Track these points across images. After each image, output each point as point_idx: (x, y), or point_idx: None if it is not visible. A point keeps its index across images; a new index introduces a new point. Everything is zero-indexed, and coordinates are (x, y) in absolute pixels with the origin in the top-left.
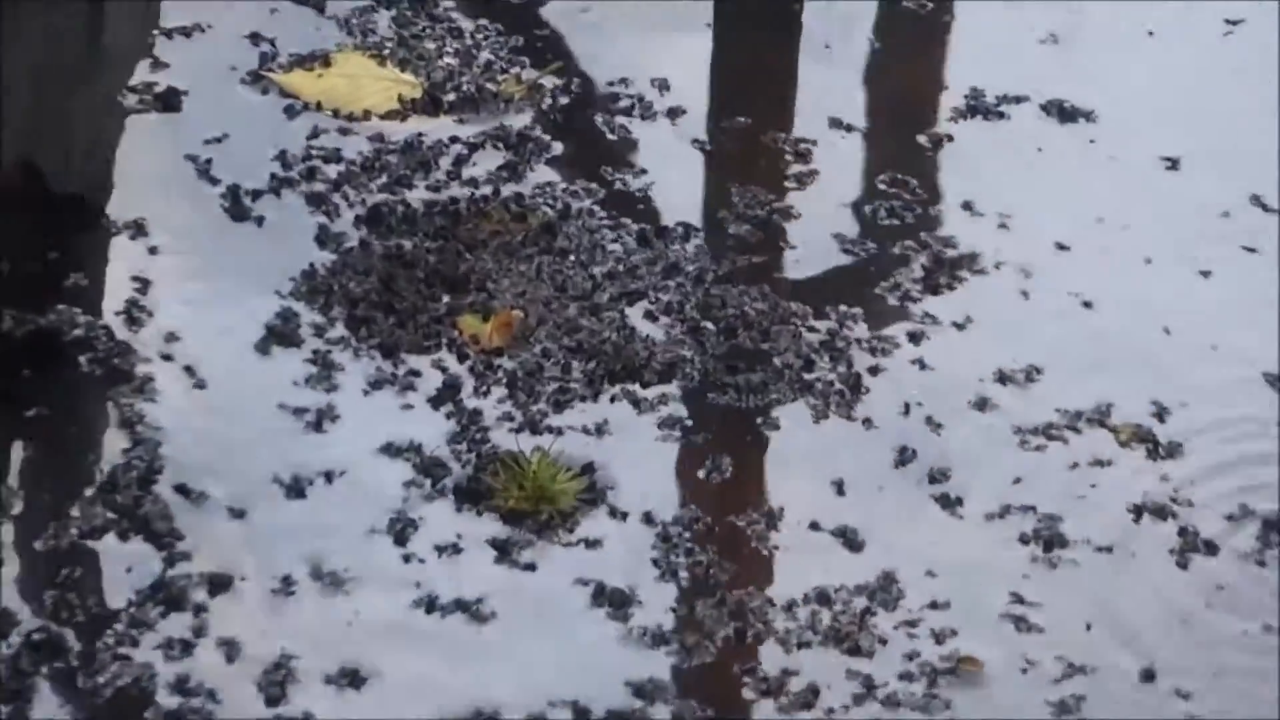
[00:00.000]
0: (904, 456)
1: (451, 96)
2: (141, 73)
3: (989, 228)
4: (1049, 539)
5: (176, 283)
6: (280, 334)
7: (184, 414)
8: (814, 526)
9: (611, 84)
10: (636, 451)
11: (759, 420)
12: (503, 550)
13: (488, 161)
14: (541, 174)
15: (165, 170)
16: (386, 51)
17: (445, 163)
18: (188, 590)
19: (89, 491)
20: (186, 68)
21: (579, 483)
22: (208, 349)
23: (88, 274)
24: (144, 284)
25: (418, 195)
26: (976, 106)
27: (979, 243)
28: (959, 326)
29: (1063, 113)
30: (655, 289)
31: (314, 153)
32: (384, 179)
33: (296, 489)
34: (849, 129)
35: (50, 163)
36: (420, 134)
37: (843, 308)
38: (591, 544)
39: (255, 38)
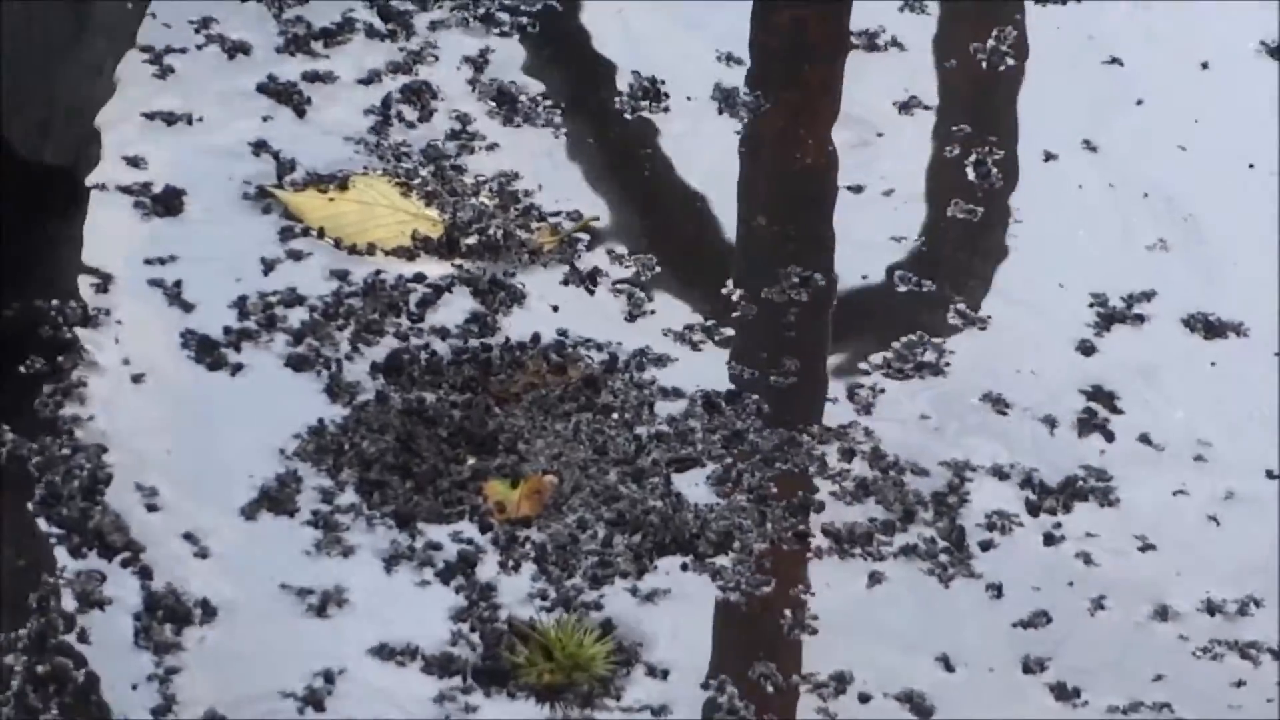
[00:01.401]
0: (1028, 630)
1: (473, 240)
2: (124, 170)
3: (1183, 459)
4: None
5: (153, 435)
6: (276, 500)
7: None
8: (897, 698)
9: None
10: (666, 608)
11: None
12: None
13: (456, 308)
14: (580, 325)
15: (134, 288)
16: (417, 181)
17: (412, 308)
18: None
19: None
20: (183, 165)
21: (606, 644)
22: (199, 511)
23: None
24: (115, 426)
25: (445, 342)
26: (1110, 314)
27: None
28: (1146, 548)
29: (1209, 326)
30: (711, 457)
31: (271, 298)
32: (352, 327)
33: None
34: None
35: (24, 133)
36: (379, 272)
37: (955, 456)
38: (656, 711)
39: (260, 146)
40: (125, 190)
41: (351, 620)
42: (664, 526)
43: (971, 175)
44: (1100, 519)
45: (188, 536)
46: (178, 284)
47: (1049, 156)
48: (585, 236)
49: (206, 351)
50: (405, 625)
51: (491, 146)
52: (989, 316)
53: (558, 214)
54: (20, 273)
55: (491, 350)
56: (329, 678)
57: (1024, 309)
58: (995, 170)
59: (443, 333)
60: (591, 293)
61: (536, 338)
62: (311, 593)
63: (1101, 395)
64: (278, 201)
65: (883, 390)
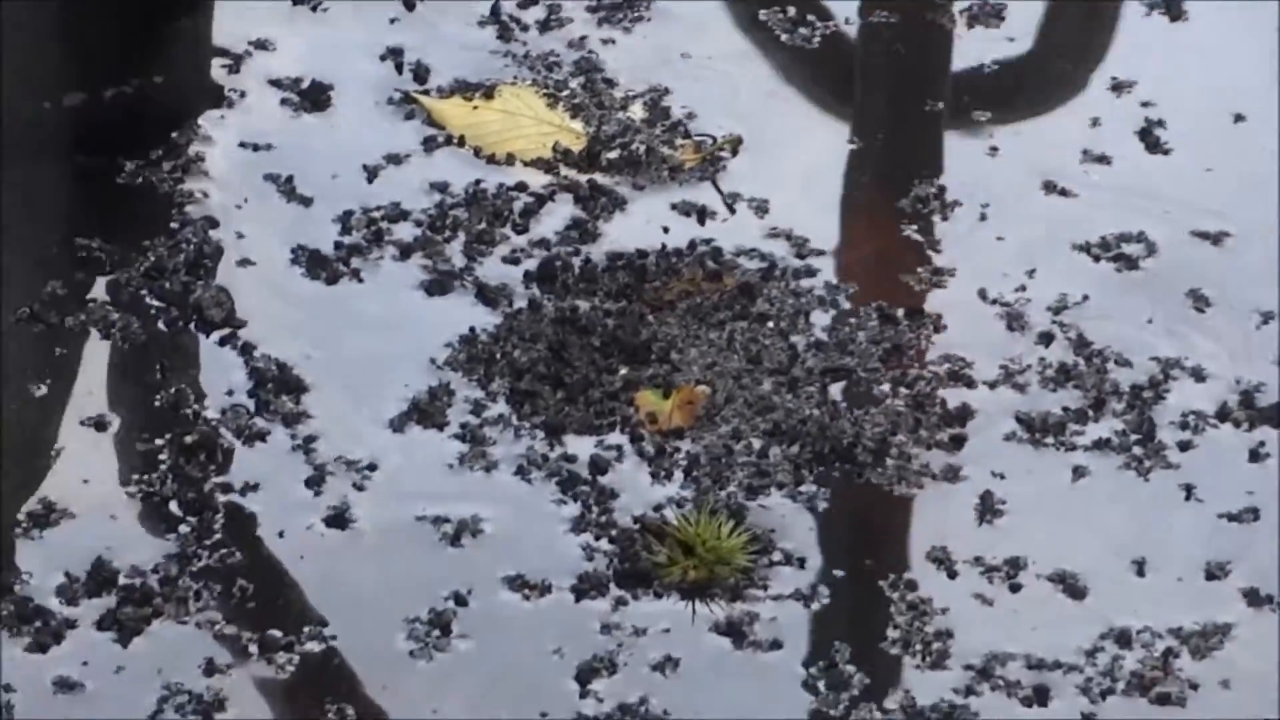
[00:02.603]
0: (1227, 531)
1: (615, 154)
2: (258, 54)
3: None
4: None
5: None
6: (426, 412)
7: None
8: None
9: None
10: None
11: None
12: (736, 634)
13: (558, 215)
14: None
15: (253, 189)
16: (565, 93)
17: (516, 218)
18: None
19: None
20: (323, 59)
21: (742, 536)
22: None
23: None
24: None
25: (600, 249)
26: None
27: None
28: None
29: None
30: (867, 368)
31: (376, 213)
32: (461, 238)
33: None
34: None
35: None
36: (479, 181)
37: (1164, 354)
38: (806, 598)
39: (394, 53)
40: (274, 83)
41: (487, 544)
42: (821, 435)
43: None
44: None
45: (331, 447)
46: (289, 180)
47: (1238, 118)
48: (728, 154)
49: (319, 265)
50: (543, 540)
51: (641, 62)
52: (1223, 233)
53: (705, 135)
54: (144, 58)
55: (647, 257)
56: (460, 600)
57: (1255, 233)
58: (1169, 126)
59: (544, 244)
60: (732, 210)
61: (693, 245)
62: (447, 521)
63: None
64: (421, 107)
65: (1086, 296)
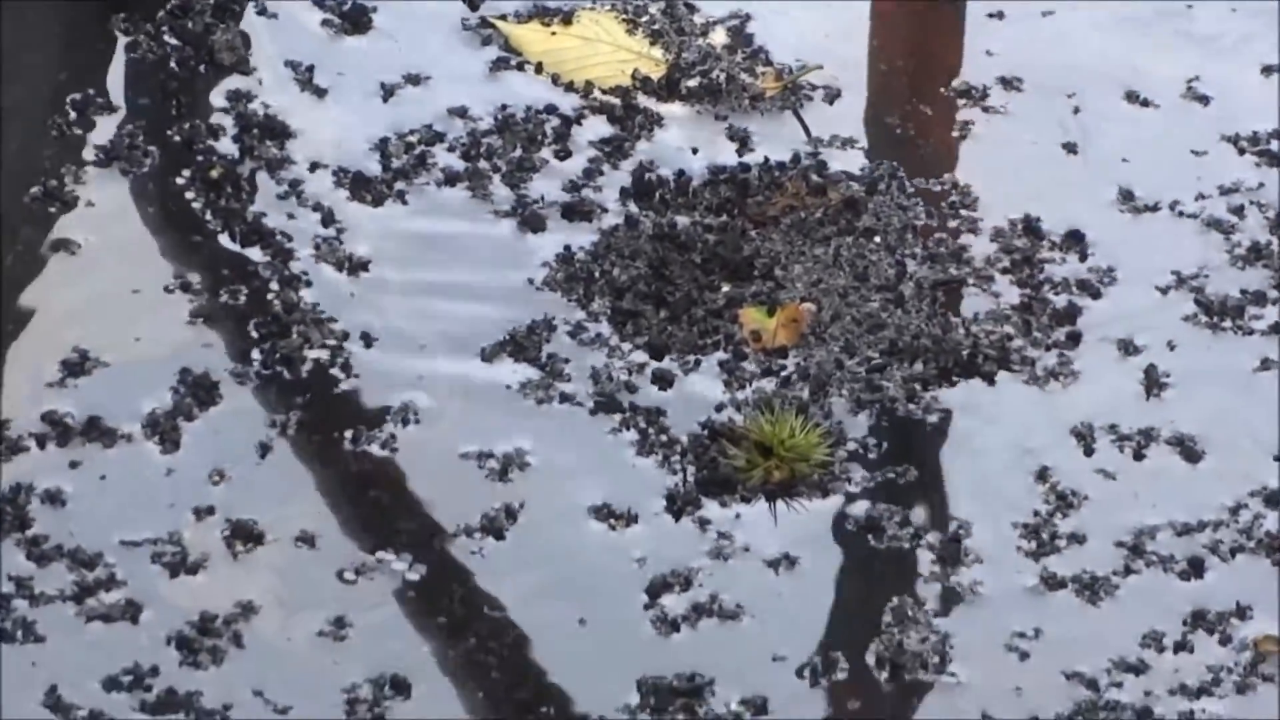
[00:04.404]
0: None
1: (694, 82)
2: None
3: None
4: None
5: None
6: (518, 344)
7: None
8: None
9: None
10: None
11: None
12: (876, 529)
13: (592, 134)
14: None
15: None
16: (645, 19)
17: (549, 138)
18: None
19: None
20: None
21: (814, 430)
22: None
23: None
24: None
25: (698, 162)
26: None
27: None
28: None
29: None
30: (979, 276)
31: (411, 137)
32: (502, 169)
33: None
34: None
35: None
36: (506, 105)
37: None
38: (901, 476)
39: None
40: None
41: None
42: (937, 349)
43: None
44: None
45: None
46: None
47: None
48: (812, 82)
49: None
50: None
51: None
52: None
53: (788, 62)
54: None
55: (749, 171)
56: (510, 512)
57: None
58: None
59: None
60: (813, 139)
61: (796, 158)
62: (492, 456)
63: None
64: (499, 32)
65: (1261, 183)
